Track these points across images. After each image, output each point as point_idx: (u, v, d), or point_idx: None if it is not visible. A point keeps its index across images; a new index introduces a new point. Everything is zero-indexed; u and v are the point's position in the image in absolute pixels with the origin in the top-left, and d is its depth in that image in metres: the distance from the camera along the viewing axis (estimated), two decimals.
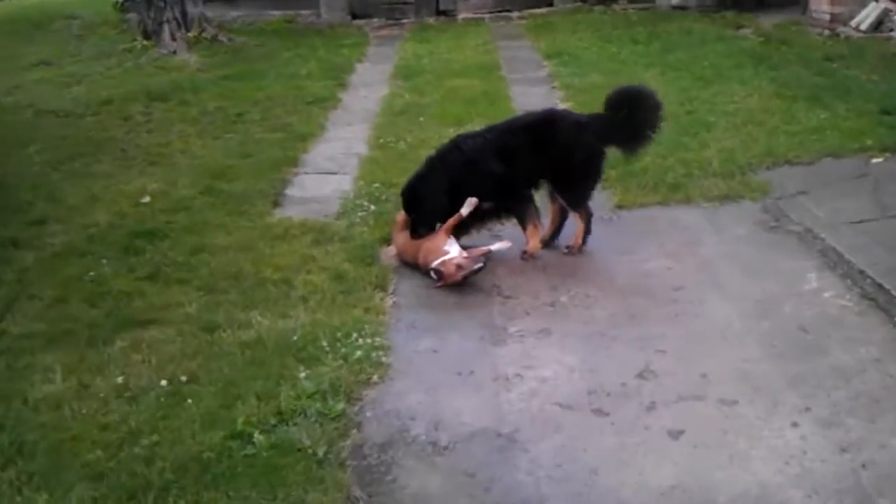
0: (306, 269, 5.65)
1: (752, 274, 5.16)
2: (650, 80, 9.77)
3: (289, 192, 7.25)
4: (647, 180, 6.80)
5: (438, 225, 5.47)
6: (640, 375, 4.21)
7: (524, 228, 5.70)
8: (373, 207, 6.69)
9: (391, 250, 5.96)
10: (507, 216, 5.91)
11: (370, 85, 11.14)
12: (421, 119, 9.17)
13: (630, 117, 5.63)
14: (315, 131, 9.03)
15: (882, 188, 6.23)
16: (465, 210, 5.49)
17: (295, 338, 4.64)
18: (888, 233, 5.38)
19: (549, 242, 5.83)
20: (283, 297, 5.23)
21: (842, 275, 5.06)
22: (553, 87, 10.43)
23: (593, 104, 9.10)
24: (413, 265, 5.62)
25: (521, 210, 5.75)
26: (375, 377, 4.37)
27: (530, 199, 5.79)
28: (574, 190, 5.74)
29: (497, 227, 6.01)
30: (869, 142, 7.10)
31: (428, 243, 5.50)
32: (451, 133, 8.27)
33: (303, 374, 4.34)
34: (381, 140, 8.52)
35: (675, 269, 5.30)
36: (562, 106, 9.57)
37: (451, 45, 13.37)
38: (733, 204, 6.36)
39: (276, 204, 6.95)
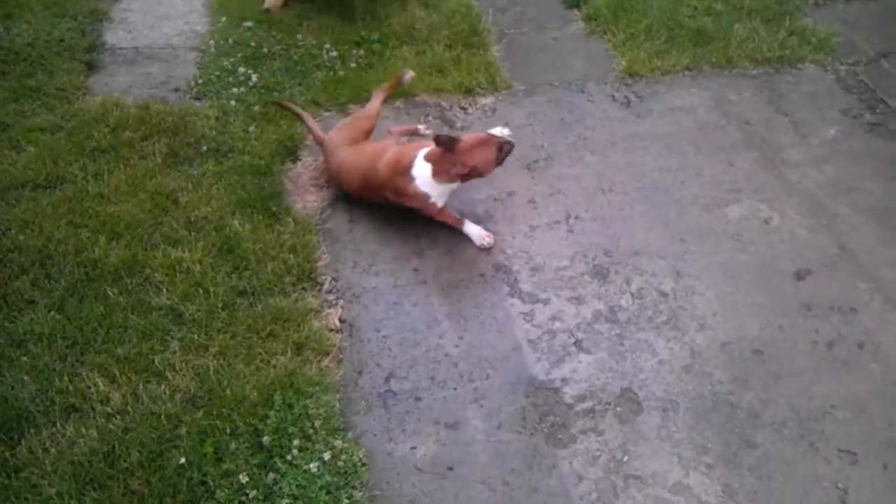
0: (163, 227, 3.28)
1: None
2: None
3: (108, 37, 4.52)
4: (655, 22, 4.60)
5: None
6: None
7: None
8: (254, 76, 4.18)
9: (312, 172, 3.64)
10: None
11: None
12: None
13: None
14: None
15: None
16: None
17: (177, 460, 2.43)
18: None
19: None
20: (136, 309, 2.92)
21: None
22: None
23: None
24: (363, 196, 3.44)
25: None
26: None
27: None
28: None
29: None
30: None
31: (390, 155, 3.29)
32: None
33: None
34: None
35: (798, 242, 3.32)
36: None
37: None
38: (794, 71, 4.34)
39: (90, 66, 4.27)
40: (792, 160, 3.73)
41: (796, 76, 4.31)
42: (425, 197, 3.20)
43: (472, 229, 3.27)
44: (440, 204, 3.27)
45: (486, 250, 3.24)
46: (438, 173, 3.15)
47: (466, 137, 3.14)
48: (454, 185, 3.24)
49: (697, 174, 3.65)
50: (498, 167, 3.24)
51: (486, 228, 3.33)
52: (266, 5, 4.70)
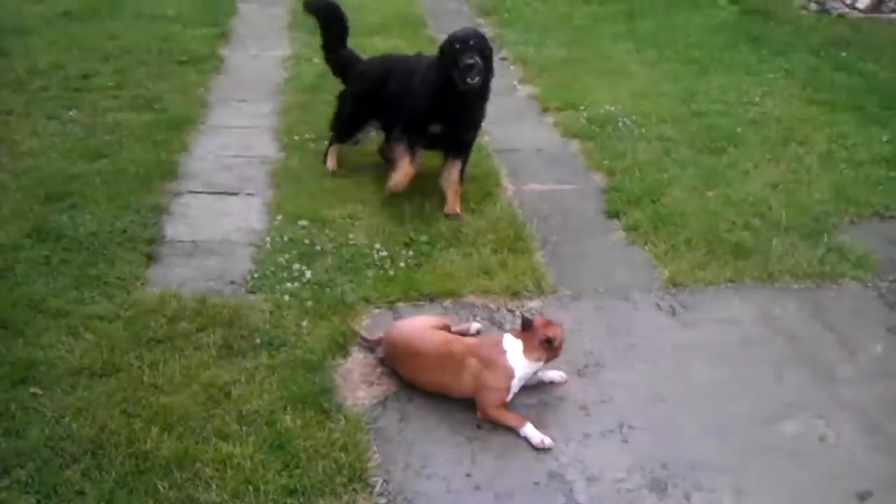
0: (215, 421, 3.27)
1: None
2: (628, 60, 7.77)
3: (169, 231, 4.70)
4: (694, 235, 4.73)
5: None
6: None
7: None
8: (308, 272, 4.30)
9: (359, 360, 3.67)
10: None
11: (262, 38, 8.51)
12: None
13: None
14: (196, 113, 6.42)
15: None
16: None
17: None
18: None
19: None
20: None
21: None
22: (503, 59, 8.11)
23: (562, 90, 7.08)
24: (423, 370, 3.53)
25: None
26: None
27: None
28: None
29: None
30: None
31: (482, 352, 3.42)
32: None
33: None
34: (296, 135, 6.04)
35: (857, 461, 3.27)
36: (522, 90, 7.33)
37: None
38: (834, 287, 4.43)
39: (150, 258, 4.41)
40: (842, 376, 3.73)
41: (838, 292, 4.38)
42: (510, 374, 3.32)
43: (530, 431, 3.27)
44: (514, 390, 3.35)
45: (540, 457, 3.19)
46: (528, 349, 3.35)
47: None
48: (536, 367, 3.41)
49: (748, 387, 3.65)
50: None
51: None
52: (392, 186, 4.99)
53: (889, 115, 6.48)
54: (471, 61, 4.72)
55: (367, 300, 4.17)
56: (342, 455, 3.15)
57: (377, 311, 4.11)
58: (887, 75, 7.39)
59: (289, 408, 3.38)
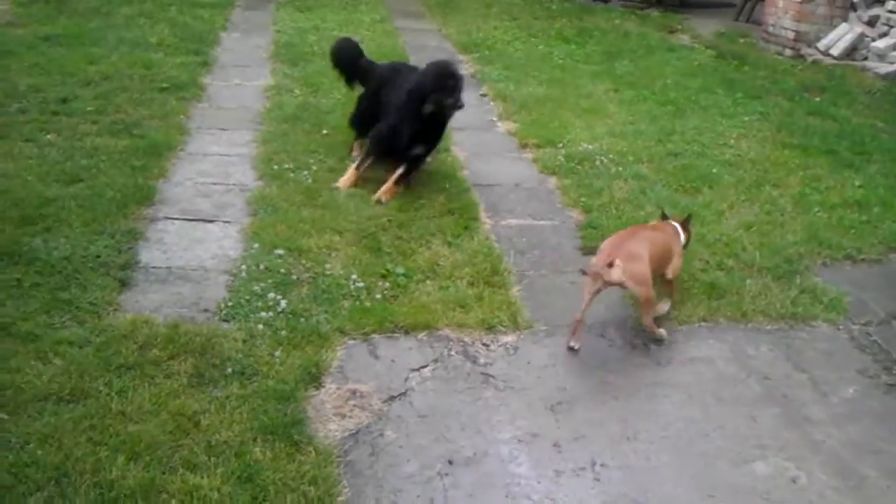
0: (183, 450, 3.23)
1: None
2: (605, 99, 7.87)
3: (143, 256, 4.66)
4: None
5: None
6: None
7: None
8: (283, 302, 4.27)
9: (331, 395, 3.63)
10: None
11: (244, 67, 8.54)
12: (324, 132, 6.73)
13: None
14: (175, 140, 6.39)
15: None
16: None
17: None
18: None
19: None
20: None
21: None
22: (483, 96, 8.18)
23: (541, 127, 7.14)
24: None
25: None
26: None
27: None
28: None
29: None
30: None
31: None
32: None
33: None
34: (275, 164, 6.02)
35: None
36: (501, 126, 7.37)
37: (340, 17, 10.91)
38: (807, 328, 4.45)
39: (122, 283, 4.37)
40: (814, 418, 3.74)
41: (811, 333, 4.41)
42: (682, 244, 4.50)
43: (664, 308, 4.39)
44: None
45: (511, 493, 3.17)
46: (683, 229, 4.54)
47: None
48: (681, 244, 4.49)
49: (721, 427, 3.65)
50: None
51: (510, 471, 3.29)
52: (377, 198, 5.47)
53: (861, 160, 6.58)
54: None
55: (341, 331, 4.14)
56: (311, 489, 3.11)
57: (352, 342, 4.08)
58: (859, 121, 7.53)
59: (259, 439, 3.34)
